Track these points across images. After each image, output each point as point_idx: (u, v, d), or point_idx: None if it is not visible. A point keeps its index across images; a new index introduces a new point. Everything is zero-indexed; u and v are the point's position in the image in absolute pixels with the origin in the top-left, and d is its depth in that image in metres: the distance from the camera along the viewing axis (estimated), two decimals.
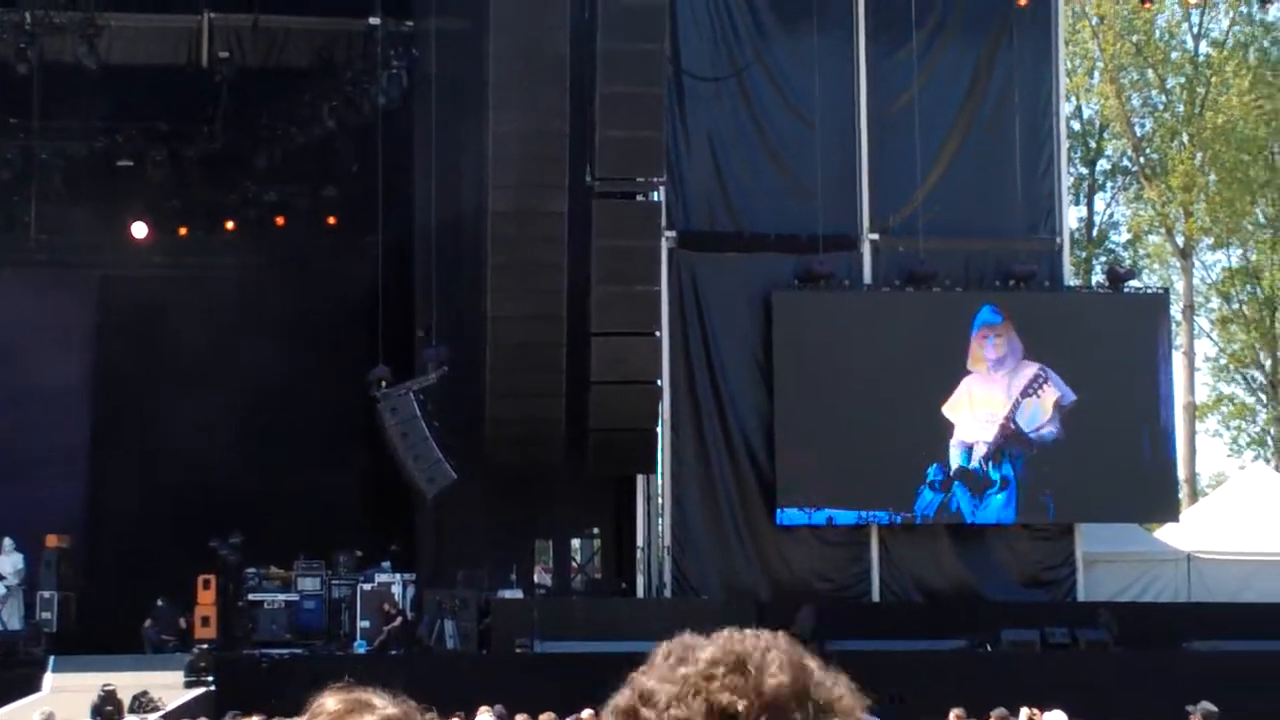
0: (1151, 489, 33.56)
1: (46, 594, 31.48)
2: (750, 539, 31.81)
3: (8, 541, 31.98)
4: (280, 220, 36.29)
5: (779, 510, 31.66)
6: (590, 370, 30.26)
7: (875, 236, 33.02)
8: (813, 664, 2.42)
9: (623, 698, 2.44)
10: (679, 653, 2.43)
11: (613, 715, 2.44)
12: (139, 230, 35.40)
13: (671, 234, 31.99)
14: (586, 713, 19.86)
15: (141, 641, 30.67)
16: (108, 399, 35.88)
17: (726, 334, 32.24)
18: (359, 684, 3.30)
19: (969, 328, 32.77)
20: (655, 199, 31.66)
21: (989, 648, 29.64)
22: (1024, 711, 21.80)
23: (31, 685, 26.87)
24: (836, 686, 2.42)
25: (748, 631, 2.46)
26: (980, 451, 32.50)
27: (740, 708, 2.34)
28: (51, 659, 28.29)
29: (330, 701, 3.23)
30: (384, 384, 29.81)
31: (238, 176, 35.68)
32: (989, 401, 32.69)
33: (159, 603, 31.10)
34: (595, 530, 33.30)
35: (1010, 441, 32.61)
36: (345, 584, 30.62)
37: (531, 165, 30.13)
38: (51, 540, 32.06)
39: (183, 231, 36.60)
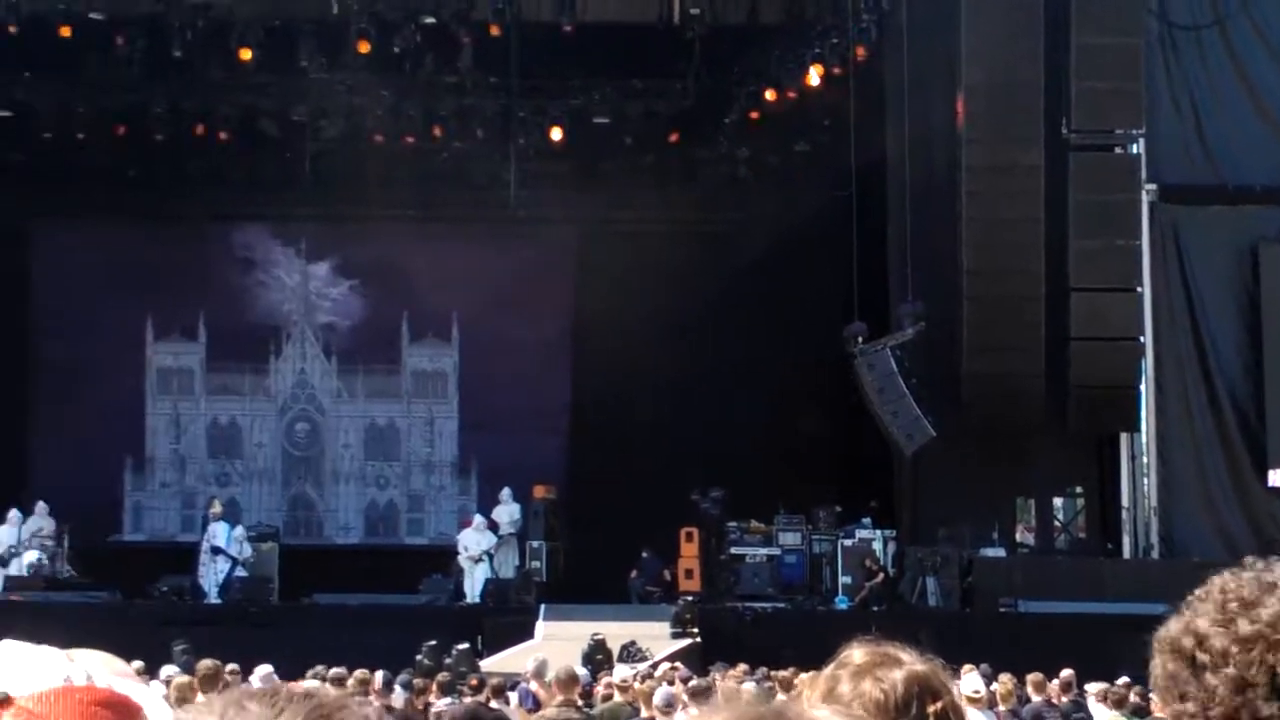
0: None
1: (535, 544, 32.52)
2: (1238, 500, 30.95)
3: (506, 491, 33.15)
4: (753, 177, 36.58)
5: (1271, 470, 30.68)
6: (1069, 326, 29.86)
7: None
8: None
9: (1174, 628, 2.35)
10: (1238, 602, 2.30)
11: (1161, 643, 2.36)
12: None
13: (1151, 187, 31.27)
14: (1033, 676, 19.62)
15: (626, 592, 31.45)
16: (587, 353, 36.78)
17: (1210, 289, 31.35)
18: (884, 638, 3.39)
19: None
20: (1135, 151, 31.01)
21: None
22: None
23: (525, 632, 27.72)
24: None
25: None
26: None
27: None
28: (542, 607, 29.12)
29: (857, 654, 3.32)
30: (860, 340, 29.88)
31: (710, 133, 36.11)
32: None
33: (644, 554, 31.82)
34: (1078, 489, 32.82)
35: None
36: (826, 539, 30.88)
37: (1005, 118, 29.83)
38: (539, 491, 33.11)
39: (656, 189, 37.21)
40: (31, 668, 2.35)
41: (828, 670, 3.35)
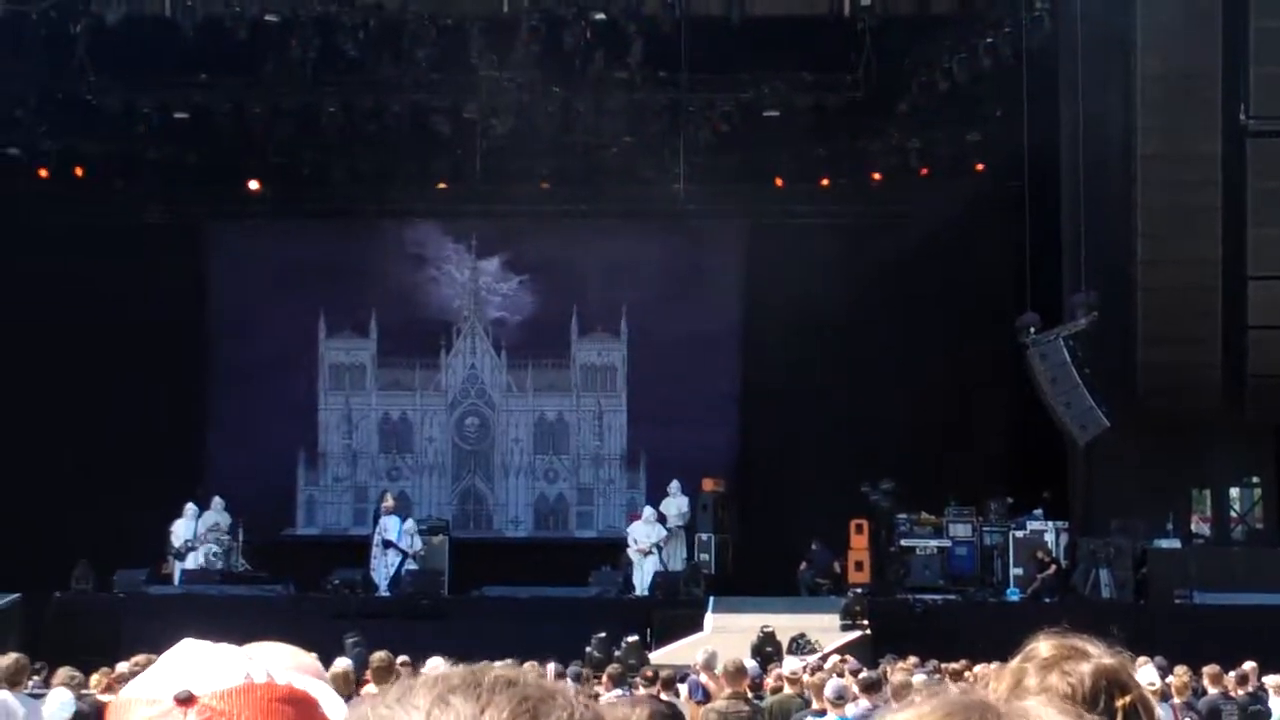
0: None
1: (704, 536, 32.56)
2: None
3: (674, 484, 33.24)
4: (923, 168, 36.34)
5: None
6: (1246, 315, 29.35)
7: None
8: None
9: None
10: None
11: None
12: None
13: None
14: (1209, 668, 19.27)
15: (795, 584, 31.38)
16: (755, 346, 36.72)
17: None
18: (1072, 630, 3.30)
19: None
20: None
21: None
22: None
23: (694, 624, 27.73)
24: None
25: None
26: None
27: None
28: (711, 599, 29.14)
29: (1044, 646, 3.23)
30: (1033, 330, 29.55)
31: (881, 125, 35.88)
32: None
33: (813, 546, 31.75)
34: (1255, 479, 32.30)
35: None
36: (997, 531, 30.62)
37: (1181, 105, 29.38)
38: (708, 484, 33.14)
39: (825, 181, 37.10)
40: (213, 666, 2.36)
41: (1014, 663, 3.29)
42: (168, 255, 37.02)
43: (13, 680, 15.20)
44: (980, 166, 35.62)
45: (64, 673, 15.86)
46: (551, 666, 19.31)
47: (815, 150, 36.56)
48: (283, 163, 36.78)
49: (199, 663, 2.35)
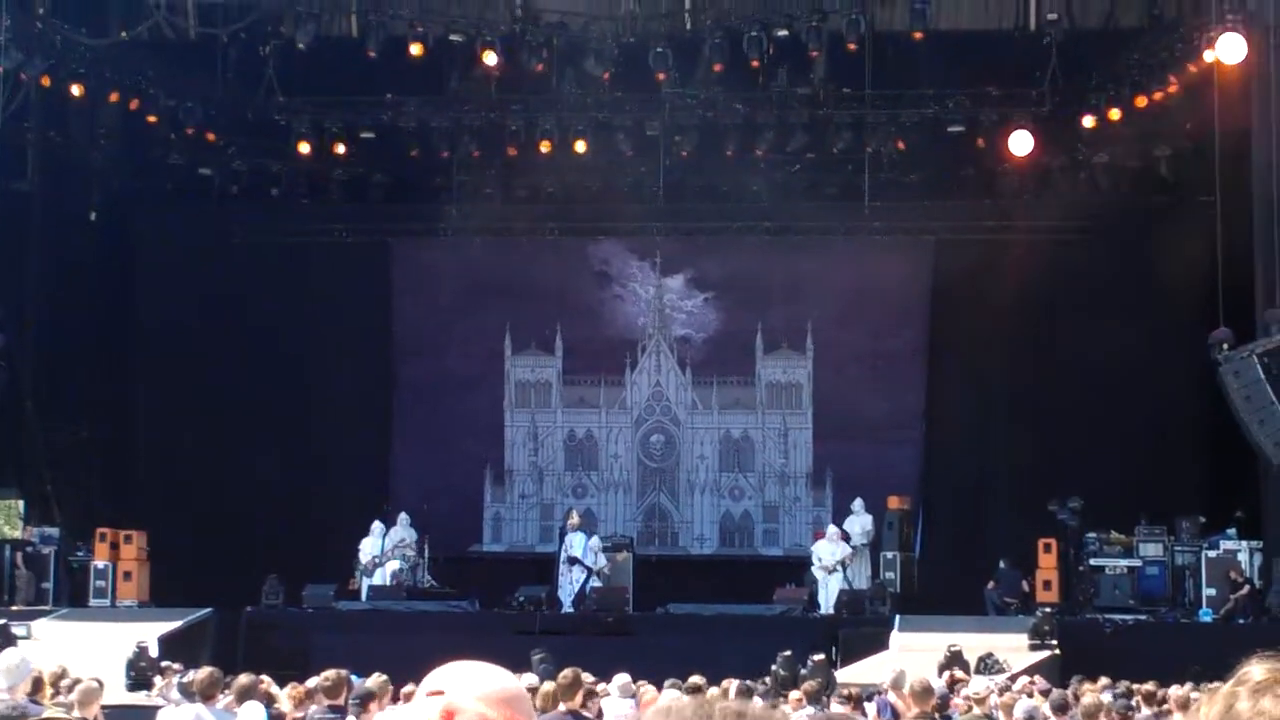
0: None
1: (889, 554, 32.37)
2: None
3: (858, 502, 33.14)
4: (1112, 182, 35.84)
5: None
6: None
7: None
8: None
9: None
10: None
11: None
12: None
13: None
14: None
15: (982, 603, 31.08)
16: (942, 363, 36.44)
17: None
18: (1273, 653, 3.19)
19: None
20: None
21: None
22: None
23: (879, 643, 27.53)
24: None
25: None
26: None
27: None
28: (896, 618, 28.94)
29: (1257, 670, 3.13)
30: (1226, 347, 29.03)
31: (1068, 139, 35.47)
32: None
33: (1001, 565, 31.44)
34: None
35: None
36: (1189, 550, 30.12)
37: None
38: (894, 502, 32.95)
39: (1012, 196, 36.75)
40: None
41: (1226, 687, 3.20)
42: (355, 273, 37.48)
43: (206, 694, 15.45)
44: (1169, 181, 35.05)
45: (244, 679, 16.05)
46: (734, 684, 19.24)
47: (1001, 165, 36.24)
48: (467, 180, 37.09)
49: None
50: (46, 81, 32.34)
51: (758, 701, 1.93)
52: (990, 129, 35.13)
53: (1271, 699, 3.08)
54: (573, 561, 32.42)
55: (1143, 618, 29.12)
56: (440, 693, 2.56)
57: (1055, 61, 34.00)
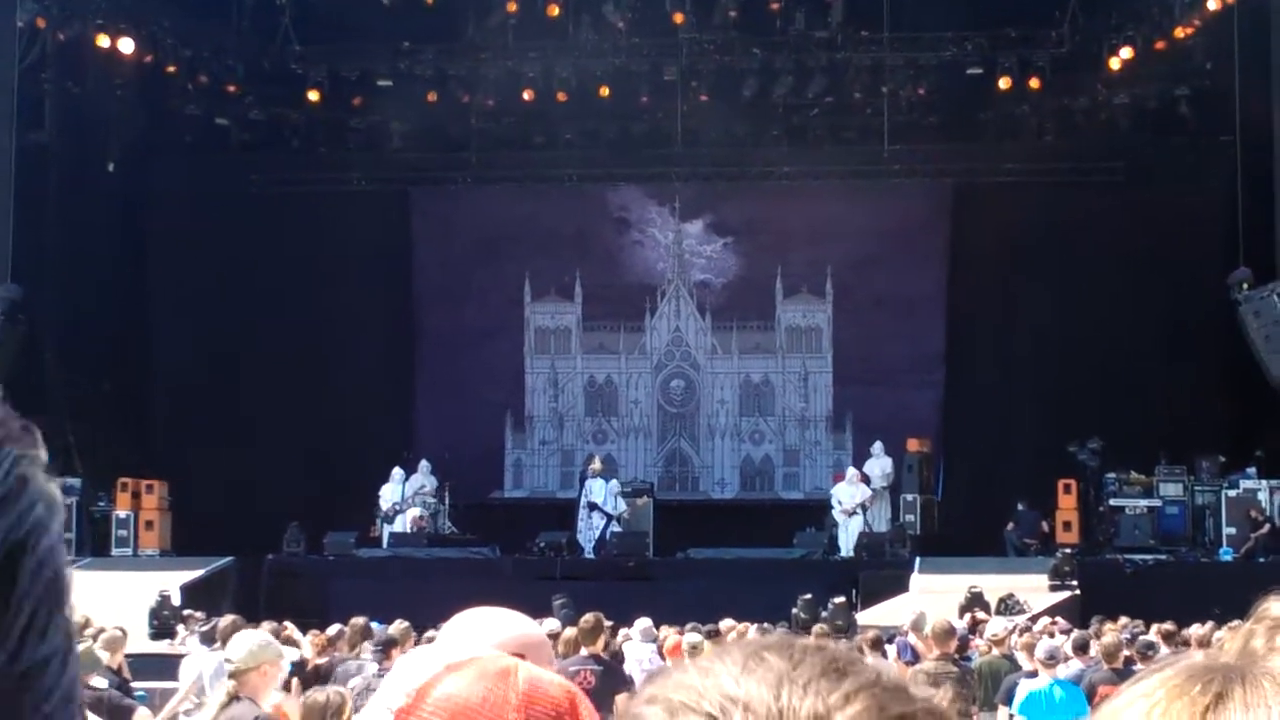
0: None
1: (909, 497, 32.41)
2: None
3: (877, 445, 33.17)
4: (1131, 124, 35.67)
5: None
6: None
7: None
8: None
9: None
10: None
11: None
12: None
13: None
14: None
15: (1002, 545, 31.12)
16: (962, 307, 36.39)
17: None
18: None
19: None
20: None
21: None
22: None
23: (899, 585, 27.58)
24: None
25: None
26: None
27: None
28: (917, 560, 28.99)
29: (1276, 607, 3.13)
30: (1245, 286, 29.01)
31: (1087, 81, 35.35)
32: None
33: (1019, 506, 31.48)
34: None
35: None
36: (1209, 490, 30.13)
37: None
38: (913, 444, 32.96)
39: (1029, 139, 36.64)
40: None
41: (1245, 625, 3.20)
42: (374, 222, 37.47)
43: (228, 640, 15.55)
44: (1189, 121, 34.89)
45: (265, 626, 16.17)
46: (753, 628, 19.31)
47: (1020, 107, 36.14)
48: (485, 128, 37.03)
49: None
50: (62, 35, 32.36)
51: (839, 642, 1.95)
52: (1009, 71, 34.99)
53: None
54: (593, 507, 32.50)
55: (1163, 557, 29.13)
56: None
57: (1074, 2, 33.83)
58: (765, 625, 20.15)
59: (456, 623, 3.54)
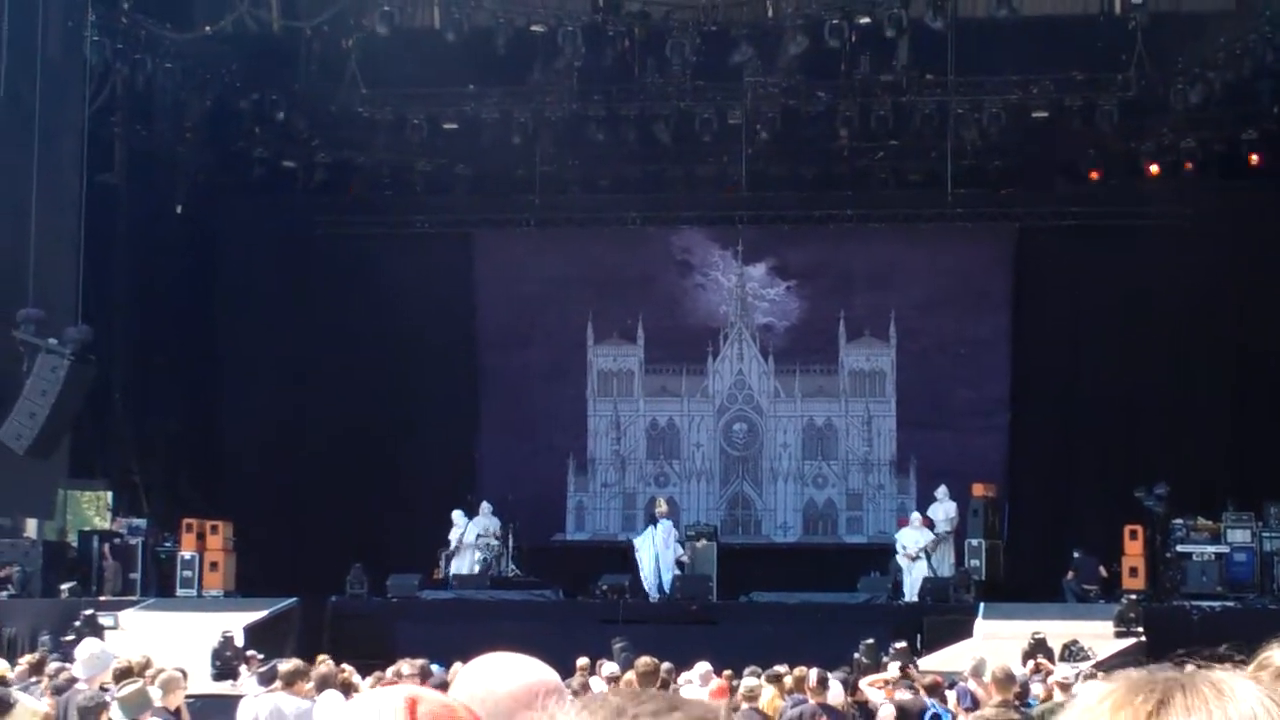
0: None
1: (974, 542, 32.20)
2: None
3: (942, 489, 32.95)
4: (1198, 168, 35.45)
5: None
6: None
7: None
8: None
9: None
10: None
11: None
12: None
13: None
14: None
15: (1061, 592, 30.91)
16: (1026, 351, 36.26)
17: None
18: None
19: None
20: None
21: None
22: None
23: (963, 630, 27.42)
24: None
25: None
26: None
27: None
28: (981, 605, 28.80)
29: (1278, 654, 3.10)
30: None
31: (1154, 124, 35.19)
32: None
33: (1075, 554, 31.28)
34: None
35: None
36: (1277, 536, 29.86)
37: None
38: (978, 489, 32.75)
39: (1096, 182, 36.50)
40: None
41: (1247, 672, 3.17)
42: (438, 264, 37.62)
43: (288, 682, 15.58)
44: (1257, 163, 34.69)
45: (323, 668, 16.19)
46: (814, 671, 19.21)
47: (1086, 151, 36.01)
48: (549, 170, 37.14)
49: None
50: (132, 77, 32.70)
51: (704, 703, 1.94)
52: (1075, 115, 34.87)
53: None
54: (654, 551, 32.42)
55: (1230, 604, 28.89)
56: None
57: (1141, 45, 33.71)
58: (821, 672, 20.02)
59: (470, 669, 3.53)
